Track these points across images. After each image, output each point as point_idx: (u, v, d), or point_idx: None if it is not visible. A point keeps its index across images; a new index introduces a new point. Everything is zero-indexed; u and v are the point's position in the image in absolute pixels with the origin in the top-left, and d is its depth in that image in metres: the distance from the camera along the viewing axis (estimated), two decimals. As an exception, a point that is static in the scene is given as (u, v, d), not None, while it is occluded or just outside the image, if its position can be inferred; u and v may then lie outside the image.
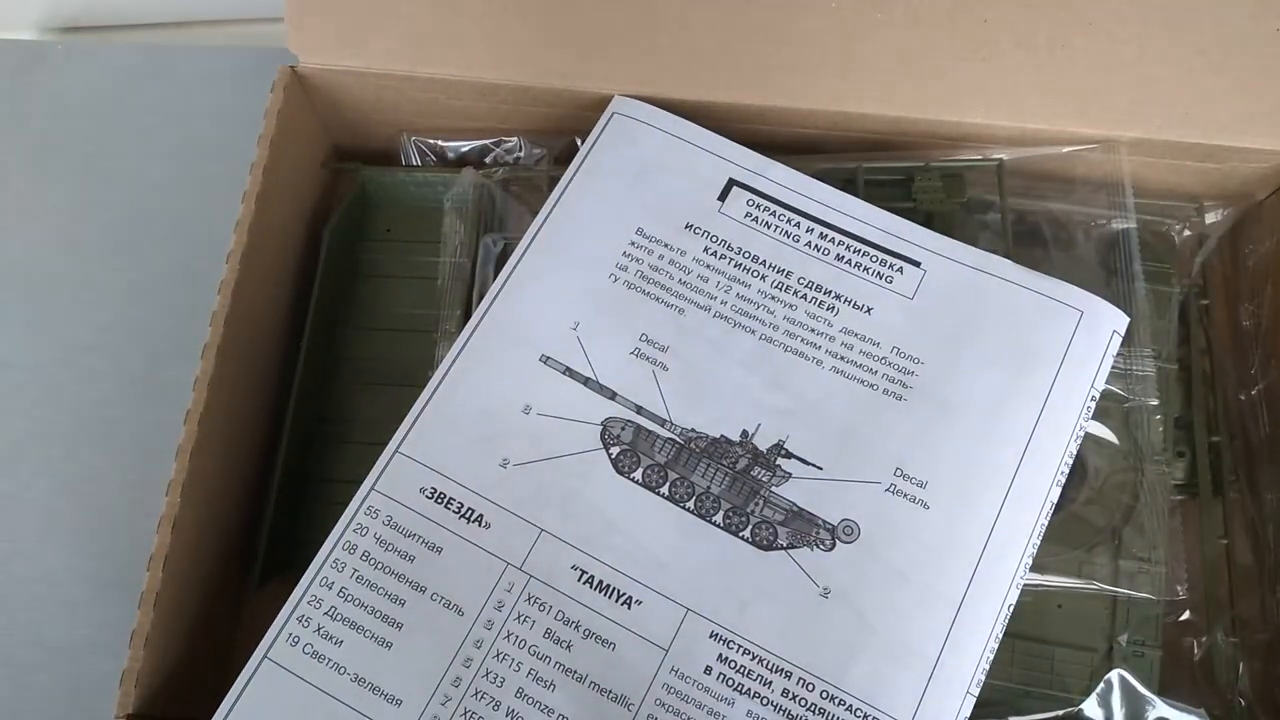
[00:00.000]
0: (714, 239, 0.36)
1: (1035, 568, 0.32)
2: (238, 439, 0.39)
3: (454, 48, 0.40)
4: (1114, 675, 0.35)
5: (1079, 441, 0.33)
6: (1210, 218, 0.40)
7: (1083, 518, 0.36)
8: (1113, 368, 0.34)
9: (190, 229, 0.50)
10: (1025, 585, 0.32)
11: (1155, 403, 0.36)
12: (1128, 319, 0.35)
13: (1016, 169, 0.38)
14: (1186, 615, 0.36)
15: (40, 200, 0.52)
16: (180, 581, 0.34)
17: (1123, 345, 0.34)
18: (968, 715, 0.30)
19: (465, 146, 0.44)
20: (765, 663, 0.31)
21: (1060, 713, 0.35)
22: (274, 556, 0.39)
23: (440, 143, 0.45)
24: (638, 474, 0.34)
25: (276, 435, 0.41)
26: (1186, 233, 0.39)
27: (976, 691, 0.31)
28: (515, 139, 0.43)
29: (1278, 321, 0.38)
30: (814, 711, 0.30)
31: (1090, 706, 0.34)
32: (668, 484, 0.33)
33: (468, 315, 0.37)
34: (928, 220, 0.38)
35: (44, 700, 0.42)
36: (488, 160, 0.44)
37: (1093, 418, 0.34)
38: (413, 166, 0.45)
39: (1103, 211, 0.38)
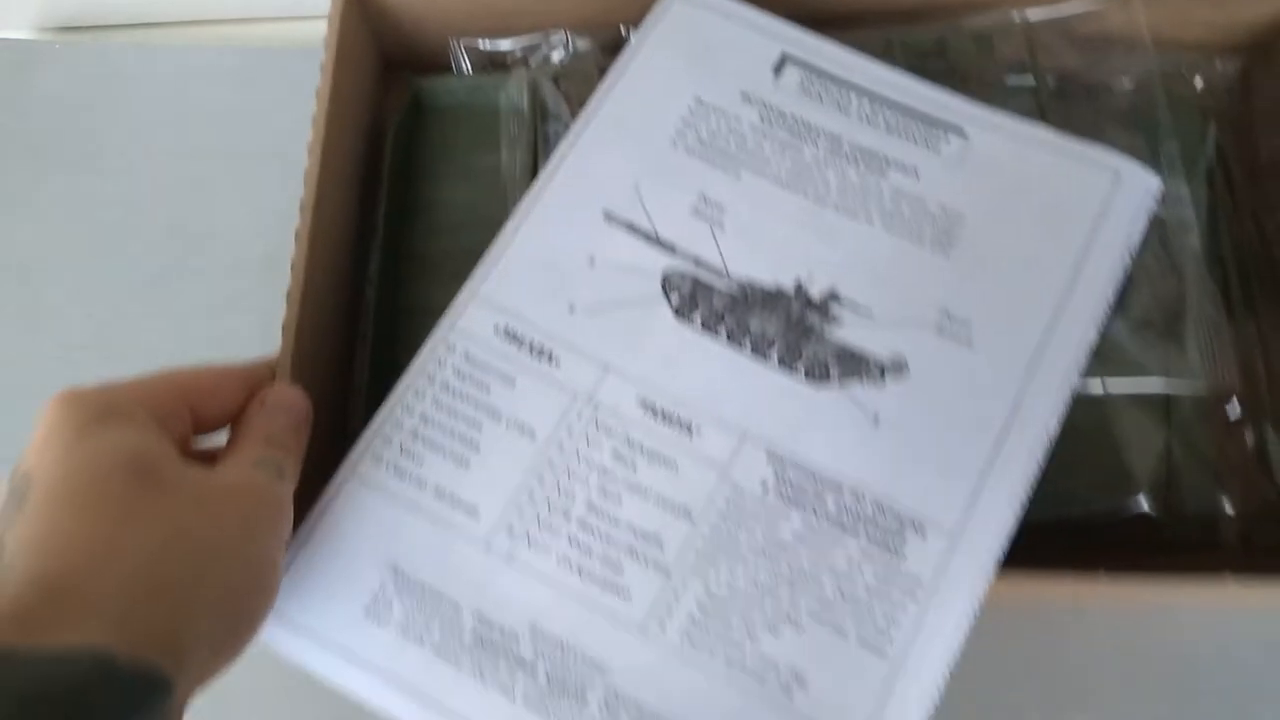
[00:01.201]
0: (769, 108, 0.39)
1: (1093, 371, 0.35)
2: (328, 333, 0.41)
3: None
4: (1171, 469, 0.37)
5: (1114, 290, 0.35)
6: (1222, 65, 0.43)
7: (1133, 324, 0.38)
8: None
9: (187, 227, 0.50)
10: (1083, 391, 0.34)
11: (1191, 216, 0.38)
12: (1160, 181, 0.37)
13: (1041, 28, 0.41)
14: (1236, 413, 0.38)
15: (36, 198, 0.52)
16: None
17: (1155, 169, 0.36)
18: (1014, 526, 0.32)
19: (513, 45, 0.46)
20: (818, 479, 0.33)
21: (1120, 505, 0.36)
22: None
23: (487, 43, 0.46)
24: (697, 319, 0.36)
25: (357, 330, 0.43)
26: (1201, 81, 0.42)
27: (1020, 506, 0.32)
28: (562, 32, 0.45)
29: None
30: (864, 521, 0.32)
31: (1149, 499, 0.36)
32: (725, 328, 0.36)
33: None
34: (963, 81, 0.40)
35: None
36: (535, 59, 0.46)
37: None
38: (464, 75, 0.47)
39: (1124, 64, 0.40)
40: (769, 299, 0.36)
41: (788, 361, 0.35)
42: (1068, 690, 0.41)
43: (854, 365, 0.35)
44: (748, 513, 0.33)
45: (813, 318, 0.35)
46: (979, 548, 0.32)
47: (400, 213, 0.45)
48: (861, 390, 0.34)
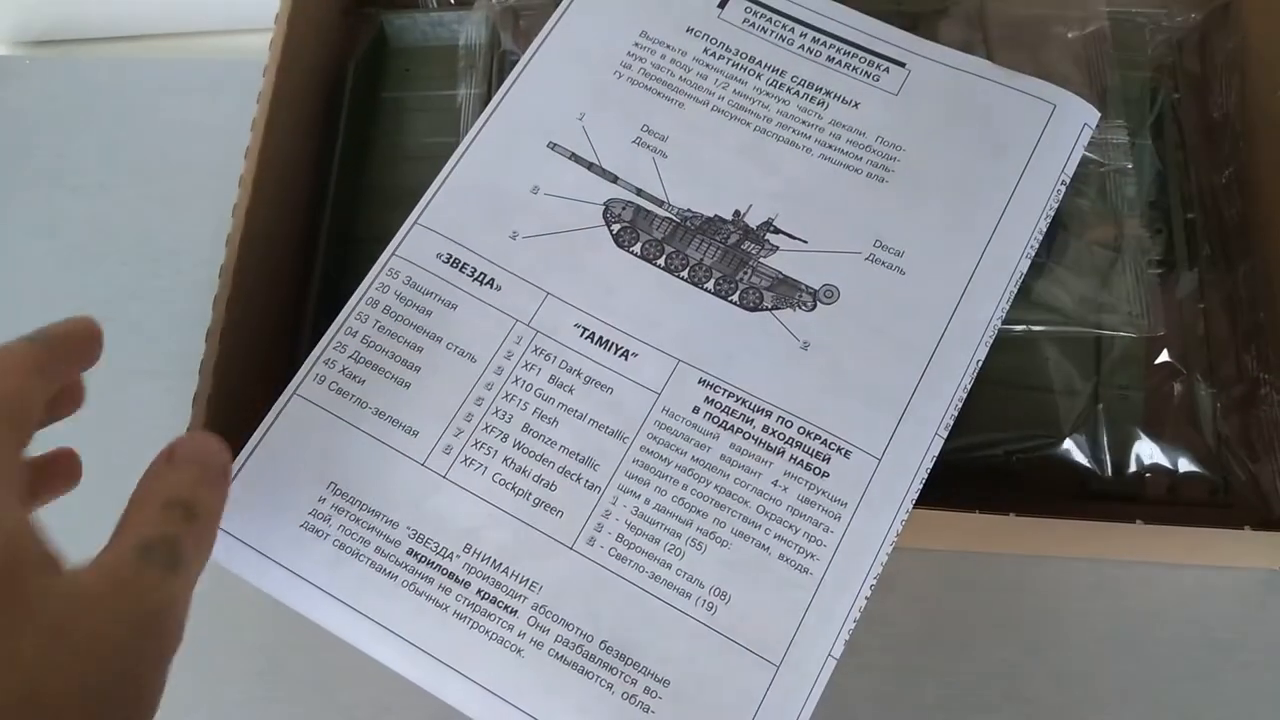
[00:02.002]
0: (713, 41, 0.39)
1: (1024, 314, 0.36)
2: (274, 264, 0.41)
3: None
4: (1099, 414, 0.37)
5: (1048, 220, 0.36)
6: (1181, 21, 0.43)
7: (1066, 269, 0.38)
8: (1090, 139, 0.36)
9: (157, 244, 0.50)
10: (1014, 334, 0.35)
11: (1130, 166, 0.38)
12: (1098, 113, 0.37)
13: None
14: (1165, 357, 0.39)
15: (5, 214, 0.52)
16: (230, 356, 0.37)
17: (1097, 117, 0.37)
18: (937, 452, 0.33)
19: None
20: (748, 403, 0.34)
21: (1047, 453, 0.37)
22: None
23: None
24: (637, 248, 0.36)
25: (311, 258, 0.43)
26: (1160, 36, 0.42)
27: (945, 433, 0.33)
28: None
29: (1245, 109, 0.40)
30: (791, 444, 0.33)
31: (1076, 445, 0.37)
32: (664, 256, 0.36)
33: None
34: (913, 24, 0.40)
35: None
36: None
37: (1072, 183, 0.36)
38: (430, 10, 0.47)
39: (1078, 14, 0.40)
40: (707, 227, 0.36)
41: (724, 289, 0.35)
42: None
43: (787, 292, 0.35)
44: (679, 435, 0.34)
45: (749, 246, 0.36)
46: (902, 472, 0.33)
47: (360, 144, 0.46)
48: (793, 317, 0.35)
